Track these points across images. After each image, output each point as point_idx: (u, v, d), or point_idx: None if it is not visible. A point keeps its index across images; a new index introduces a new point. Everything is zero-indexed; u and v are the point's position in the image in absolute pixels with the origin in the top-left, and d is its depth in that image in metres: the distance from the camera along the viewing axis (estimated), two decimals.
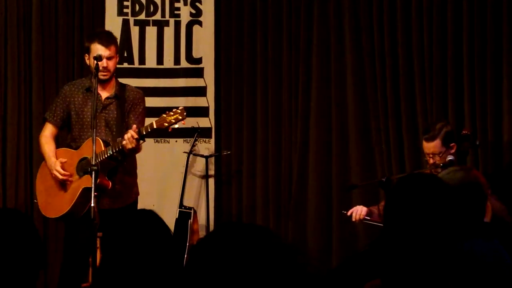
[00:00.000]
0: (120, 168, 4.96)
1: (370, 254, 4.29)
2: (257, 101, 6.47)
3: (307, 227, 6.23)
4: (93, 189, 4.52)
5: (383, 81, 5.93)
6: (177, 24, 6.60)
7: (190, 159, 6.45)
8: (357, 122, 6.06)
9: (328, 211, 6.15)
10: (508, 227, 4.25)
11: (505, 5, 5.46)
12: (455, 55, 5.62)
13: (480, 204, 3.07)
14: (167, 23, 6.60)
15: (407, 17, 5.82)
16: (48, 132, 5.08)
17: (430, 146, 4.74)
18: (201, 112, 6.53)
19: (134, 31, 6.57)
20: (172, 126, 4.72)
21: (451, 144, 4.74)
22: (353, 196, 5.99)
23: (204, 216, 6.43)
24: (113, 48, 4.95)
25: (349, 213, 4.90)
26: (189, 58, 6.59)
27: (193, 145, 6.42)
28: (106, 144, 4.81)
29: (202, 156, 6.47)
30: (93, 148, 4.61)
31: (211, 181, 6.54)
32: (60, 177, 4.91)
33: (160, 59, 6.58)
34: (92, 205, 4.48)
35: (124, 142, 4.71)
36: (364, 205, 4.98)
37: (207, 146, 6.55)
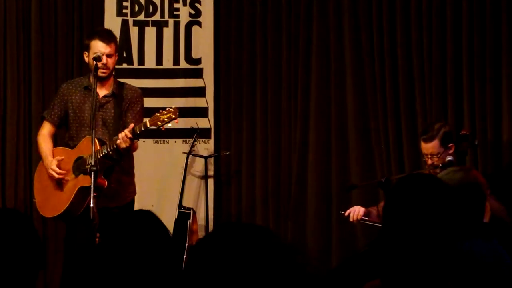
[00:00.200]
0: (117, 168, 4.95)
1: (369, 254, 4.28)
2: (256, 101, 6.47)
3: (307, 227, 6.23)
4: (92, 189, 4.52)
5: (382, 81, 5.93)
6: (176, 25, 6.60)
7: (189, 160, 6.45)
8: (356, 122, 6.06)
9: (328, 211, 6.15)
10: (507, 228, 4.25)
11: (505, 5, 5.46)
12: (454, 55, 5.63)
13: (479, 205, 3.07)
14: (166, 24, 6.60)
15: (407, 17, 5.83)
16: (45, 130, 5.08)
17: (428, 147, 4.74)
18: (200, 112, 6.52)
19: (133, 31, 6.57)
20: (165, 125, 4.73)
21: (449, 145, 4.73)
22: (352, 197, 5.99)
23: (204, 217, 6.42)
24: (113, 45, 4.96)
25: (346, 214, 4.90)
26: (188, 58, 6.59)
27: (192, 146, 6.42)
28: (102, 143, 4.80)
29: (201, 156, 6.47)
30: (93, 148, 4.61)
31: (211, 182, 6.53)
32: (56, 176, 4.91)
33: (159, 60, 6.58)
34: (91, 205, 4.48)
35: (118, 141, 4.71)
36: (364, 206, 4.98)
37: (206, 147, 6.55)
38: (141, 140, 5.12)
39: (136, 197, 5.83)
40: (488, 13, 5.51)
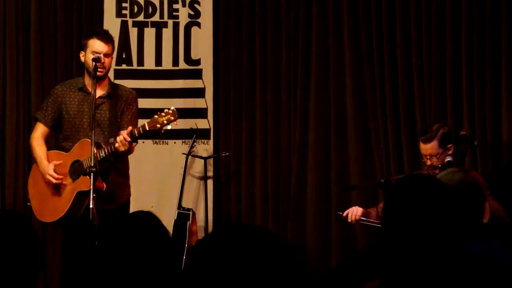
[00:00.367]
0: (113, 170, 4.93)
1: (369, 254, 4.28)
2: (256, 102, 6.47)
3: (306, 228, 6.23)
4: (91, 190, 4.51)
5: (382, 82, 5.93)
6: (176, 26, 6.60)
7: (188, 160, 6.45)
8: (356, 122, 6.06)
9: (327, 212, 6.15)
10: (507, 228, 4.25)
11: (504, 5, 5.46)
12: (454, 55, 5.62)
13: (479, 205, 3.07)
14: (165, 25, 6.60)
15: (406, 18, 5.83)
16: (39, 133, 5.03)
17: (427, 148, 4.73)
18: (200, 113, 6.52)
19: (133, 32, 6.57)
20: (165, 128, 4.71)
21: (448, 145, 4.73)
22: (352, 197, 5.99)
23: (203, 218, 6.42)
24: (110, 46, 4.94)
25: (344, 214, 4.90)
26: (188, 59, 6.59)
27: (192, 146, 6.42)
28: (98, 145, 4.76)
29: (200, 157, 6.47)
30: (92, 149, 4.60)
31: (210, 182, 6.53)
32: (54, 181, 4.87)
33: (158, 61, 6.58)
34: (91, 206, 4.47)
35: (116, 145, 4.69)
36: (363, 206, 4.98)
37: (205, 147, 6.55)
38: (140, 141, 5.10)
39: (135, 198, 5.83)
40: (487, 13, 5.51)
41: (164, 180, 6.52)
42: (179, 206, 6.31)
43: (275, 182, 6.39)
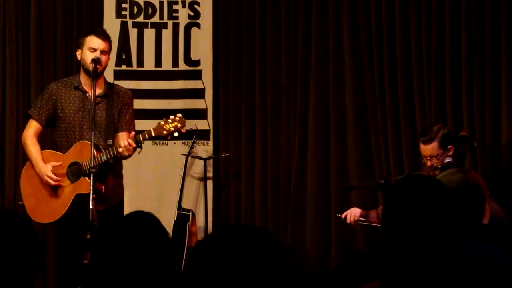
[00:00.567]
0: (110, 171, 4.91)
1: (369, 255, 4.28)
2: (255, 103, 6.47)
3: (306, 229, 6.24)
4: (91, 191, 4.49)
5: (381, 82, 5.93)
6: (175, 27, 6.60)
7: (188, 161, 6.44)
8: (355, 123, 6.06)
9: (327, 213, 6.15)
10: (507, 230, 4.25)
11: (504, 5, 5.46)
12: (453, 56, 5.63)
13: (479, 206, 3.07)
14: (165, 26, 6.60)
15: (406, 18, 5.83)
16: (32, 131, 4.93)
17: (427, 149, 4.73)
18: (200, 114, 6.53)
19: (133, 33, 6.57)
20: (172, 135, 4.69)
21: (449, 146, 4.73)
22: (351, 198, 5.99)
23: (203, 218, 6.42)
24: (107, 43, 4.89)
25: (343, 216, 4.90)
26: (187, 60, 6.59)
27: (192, 147, 6.42)
28: (98, 148, 4.73)
29: (200, 158, 6.47)
30: (92, 150, 4.58)
31: (210, 183, 6.53)
32: (53, 182, 4.80)
33: (158, 61, 6.58)
34: (91, 207, 4.45)
35: (120, 150, 4.67)
36: (363, 207, 4.97)
37: (205, 148, 6.55)
38: None
39: (135, 198, 5.84)
40: (487, 13, 5.51)
41: (164, 181, 6.52)
42: (179, 207, 6.31)
43: (275, 183, 6.39)
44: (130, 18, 6.57)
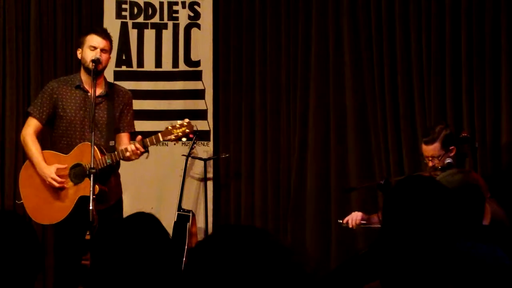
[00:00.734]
0: (112, 172, 4.91)
1: (369, 256, 4.28)
2: (255, 103, 6.47)
3: (306, 229, 6.24)
4: (91, 192, 4.48)
5: (381, 83, 5.93)
6: (176, 27, 6.60)
7: (188, 162, 6.44)
8: (355, 123, 6.06)
9: (327, 213, 6.15)
10: (507, 231, 4.24)
11: (504, 5, 5.46)
12: (453, 56, 5.63)
13: (479, 206, 3.07)
14: (165, 26, 6.60)
15: (406, 18, 5.83)
16: (32, 129, 4.87)
17: (430, 149, 4.74)
18: (200, 115, 6.53)
19: (133, 34, 6.57)
20: (180, 139, 4.69)
21: (451, 147, 4.74)
22: (351, 198, 6.00)
23: (203, 219, 6.42)
24: (108, 42, 4.86)
25: (345, 221, 4.89)
26: (188, 61, 6.59)
27: (192, 148, 6.42)
28: (101, 151, 4.72)
29: (200, 159, 6.47)
30: (92, 150, 4.57)
31: (210, 184, 6.54)
32: (57, 184, 4.76)
33: (158, 62, 6.58)
34: (91, 208, 4.45)
35: (127, 154, 4.66)
36: (363, 207, 4.98)
37: (205, 149, 6.55)
38: None
39: (135, 199, 5.83)
40: (487, 13, 5.51)
41: (164, 182, 6.52)
42: (179, 207, 6.31)
43: (275, 183, 6.39)
44: (130, 18, 6.57)
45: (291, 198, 6.31)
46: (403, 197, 2.51)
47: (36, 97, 5.05)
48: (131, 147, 4.66)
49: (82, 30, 6.40)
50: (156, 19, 6.59)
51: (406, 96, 5.82)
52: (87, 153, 4.65)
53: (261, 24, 6.47)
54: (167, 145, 6.51)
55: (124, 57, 6.52)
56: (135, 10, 6.58)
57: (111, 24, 6.44)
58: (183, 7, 6.60)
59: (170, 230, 6.13)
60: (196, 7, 6.60)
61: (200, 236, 6.35)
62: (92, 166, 4.54)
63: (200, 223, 6.43)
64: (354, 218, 4.85)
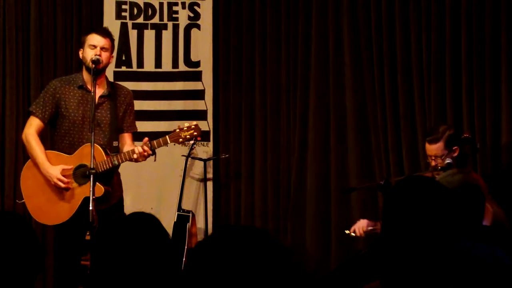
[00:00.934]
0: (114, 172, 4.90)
1: (369, 256, 4.28)
2: (255, 104, 6.47)
3: (306, 229, 6.24)
4: (91, 192, 4.48)
5: (381, 83, 5.93)
6: (175, 28, 6.60)
7: (188, 162, 6.44)
8: (355, 123, 6.06)
9: (327, 213, 6.15)
10: (508, 234, 4.24)
11: (504, 5, 5.46)
12: (453, 56, 5.62)
13: (479, 207, 3.07)
14: (165, 27, 6.60)
15: (405, 18, 5.83)
16: (34, 129, 4.84)
17: (433, 148, 4.76)
18: (199, 115, 6.52)
19: (132, 34, 6.57)
20: (188, 142, 4.70)
21: (454, 147, 4.76)
22: (351, 199, 6.00)
23: (203, 219, 6.42)
24: (108, 40, 4.85)
25: (351, 231, 4.86)
26: (187, 61, 6.59)
27: (192, 148, 6.42)
28: (106, 151, 4.71)
29: (200, 159, 6.48)
30: (92, 151, 4.57)
31: (210, 184, 6.54)
32: (63, 185, 4.73)
33: (158, 63, 6.58)
34: (91, 208, 4.44)
35: (135, 156, 4.65)
36: (363, 208, 4.98)
37: (205, 149, 6.55)
38: (140, 143, 5.05)
39: (135, 199, 5.82)
40: (487, 13, 5.51)
41: (164, 182, 6.52)
42: (179, 208, 6.31)
43: (275, 183, 6.39)
44: (130, 19, 6.57)
45: (291, 198, 6.30)
46: (403, 197, 2.51)
47: (38, 96, 5.02)
48: (139, 149, 4.66)
49: (82, 30, 6.40)
50: (156, 20, 6.59)
51: (406, 96, 5.82)
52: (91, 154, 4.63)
53: (261, 24, 6.47)
54: (167, 146, 6.49)
55: (124, 58, 6.52)
56: (135, 11, 6.57)
57: (111, 24, 6.43)
58: (183, 7, 6.60)
59: (170, 230, 6.13)
60: (196, 7, 6.60)
61: (200, 237, 6.36)
62: (92, 167, 4.53)
63: (200, 223, 6.43)
64: (361, 226, 4.82)
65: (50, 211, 4.82)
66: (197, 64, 6.59)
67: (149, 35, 6.58)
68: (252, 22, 6.50)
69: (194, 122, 4.77)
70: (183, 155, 6.43)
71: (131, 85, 5.84)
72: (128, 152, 4.70)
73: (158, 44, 6.58)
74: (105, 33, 4.88)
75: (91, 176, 4.50)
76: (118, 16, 6.55)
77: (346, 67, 6.10)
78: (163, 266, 2.13)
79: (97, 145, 4.67)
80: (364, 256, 4.26)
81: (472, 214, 3.03)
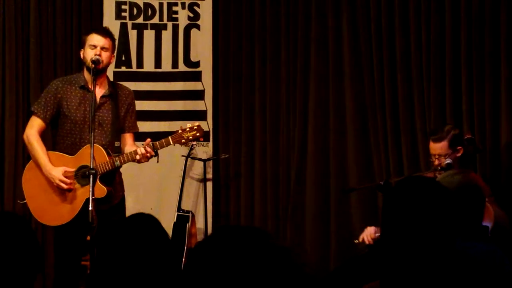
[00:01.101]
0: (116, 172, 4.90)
1: (369, 256, 4.28)
2: (255, 104, 6.47)
3: (306, 230, 6.23)
4: (90, 192, 4.48)
5: (381, 83, 5.93)
6: (175, 28, 6.60)
7: (188, 163, 6.45)
8: (355, 124, 6.06)
9: (327, 213, 6.15)
10: (509, 235, 4.25)
11: (503, 6, 5.46)
12: (453, 57, 5.62)
13: (479, 207, 3.07)
14: (165, 27, 6.60)
15: (405, 18, 5.82)
16: (36, 129, 4.82)
17: (437, 147, 4.76)
18: (199, 115, 6.52)
19: (132, 34, 6.57)
20: (190, 143, 4.69)
21: (458, 147, 4.76)
22: (351, 199, 6.00)
23: (202, 220, 6.42)
24: (109, 40, 4.85)
25: (361, 240, 4.84)
26: (187, 61, 6.59)
27: (191, 149, 6.42)
28: (108, 152, 4.71)
29: (200, 159, 6.47)
30: (91, 151, 4.56)
31: (209, 185, 6.53)
32: (65, 187, 4.73)
33: (158, 63, 6.58)
34: (90, 208, 4.44)
35: (138, 157, 4.65)
36: (363, 208, 4.97)
37: (205, 150, 6.55)
38: (140, 143, 5.05)
39: (135, 200, 5.82)
40: (486, 14, 5.51)
41: (164, 182, 6.52)
42: (179, 208, 6.31)
43: (274, 184, 6.39)
44: (130, 19, 6.57)
45: (290, 198, 6.30)
46: (403, 198, 2.51)
47: (40, 96, 5.00)
48: (141, 150, 4.66)
49: (82, 30, 6.41)
50: (155, 20, 6.59)
51: (406, 96, 5.82)
52: (95, 155, 4.60)
53: (261, 24, 6.47)
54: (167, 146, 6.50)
55: (123, 58, 6.51)
56: (135, 11, 6.57)
57: (111, 24, 6.43)
58: (183, 7, 6.59)
59: (169, 230, 6.13)
60: (195, 7, 6.60)
61: (200, 237, 6.35)
62: (91, 167, 4.53)
63: (200, 223, 6.43)
64: (368, 233, 4.79)
65: (52, 212, 4.81)
66: (197, 64, 6.58)
67: (149, 35, 6.58)
68: (252, 22, 6.50)
69: (197, 123, 4.77)
70: (182, 155, 6.43)
71: (130, 85, 5.82)
72: (130, 153, 4.70)
73: (157, 44, 6.58)
74: (105, 33, 4.88)
75: (91, 176, 4.50)
76: (118, 16, 6.54)
77: (345, 67, 6.10)
78: (163, 266, 2.13)
79: (99, 146, 4.68)
80: (364, 256, 4.26)
81: (472, 214, 3.03)
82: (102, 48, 4.80)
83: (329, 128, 6.18)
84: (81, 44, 4.92)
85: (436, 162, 4.76)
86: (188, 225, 6.24)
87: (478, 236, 3.00)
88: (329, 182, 6.16)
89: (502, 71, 5.46)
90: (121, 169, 4.97)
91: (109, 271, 2.13)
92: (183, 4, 6.59)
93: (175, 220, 6.26)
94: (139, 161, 4.71)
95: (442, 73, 5.67)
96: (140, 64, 6.56)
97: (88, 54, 4.79)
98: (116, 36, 6.26)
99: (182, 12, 6.60)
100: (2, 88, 6.40)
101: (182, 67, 6.58)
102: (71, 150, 4.82)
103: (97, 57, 4.77)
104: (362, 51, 6.02)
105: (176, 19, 6.60)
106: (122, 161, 4.70)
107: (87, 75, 4.84)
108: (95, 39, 4.81)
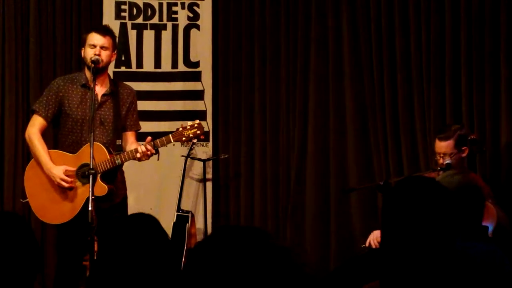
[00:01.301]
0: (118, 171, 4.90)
1: (368, 256, 4.29)
2: (254, 104, 6.47)
3: (305, 230, 6.23)
4: (90, 192, 4.47)
5: (380, 84, 5.93)
6: (175, 28, 6.60)
7: (187, 163, 6.44)
8: (355, 124, 6.06)
9: (327, 213, 6.15)
10: (509, 235, 4.25)
11: (503, 6, 5.46)
12: (453, 57, 5.62)
13: (478, 207, 3.07)
14: (164, 27, 6.60)
15: (405, 18, 5.82)
16: (37, 128, 4.81)
17: (442, 146, 4.77)
18: (199, 115, 6.51)
19: (132, 34, 6.56)
20: (187, 142, 4.69)
21: (463, 148, 4.77)
22: (351, 199, 6.00)
23: (202, 220, 6.42)
24: (109, 38, 4.84)
25: (367, 244, 4.82)
26: (187, 61, 6.59)
27: (191, 149, 6.42)
28: (109, 150, 4.71)
29: (199, 159, 6.47)
30: (91, 150, 4.55)
31: (209, 185, 6.53)
32: (66, 185, 4.73)
33: (157, 63, 6.58)
34: (90, 208, 4.43)
35: (138, 155, 4.65)
36: (363, 208, 4.96)
37: (204, 150, 6.55)
38: (140, 143, 5.04)
39: (135, 200, 5.81)
40: (486, 14, 5.50)
41: (163, 183, 6.52)
42: (178, 208, 6.31)
43: (274, 184, 6.39)
44: (130, 19, 6.56)
45: (290, 199, 6.30)
46: (403, 198, 2.51)
47: (41, 95, 4.99)
48: (142, 148, 4.65)
49: (81, 30, 6.40)
50: (155, 20, 6.59)
51: (406, 96, 5.82)
52: (95, 153, 4.60)
53: (260, 24, 6.47)
54: (166, 146, 6.49)
55: (123, 58, 6.51)
56: (134, 11, 6.57)
57: (110, 24, 6.36)
58: (182, 8, 6.59)
59: (169, 230, 6.13)
60: (195, 8, 6.60)
61: (199, 237, 6.35)
62: (91, 167, 4.52)
63: (199, 223, 6.43)
64: (374, 237, 4.78)
65: (54, 210, 4.81)
66: (197, 64, 6.58)
67: (149, 36, 6.58)
68: (251, 22, 6.50)
69: (197, 121, 4.76)
70: (182, 156, 6.43)
71: (130, 85, 5.83)
72: (131, 151, 4.70)
73: (157, 44, 6.58)
74: (105, 32, 4.87)
75: (90, 176, 4.50)
76: (118, 16, 6.54)
77: (345, 67, 6.10)
78: (163, 266, 2.13)
79: (100, 144, 4.68)
80: (364, 256, 4.26)
81: (471, 214, 3.03)
82: (102, 47, 4.79)
83: (329, 128, 6.18)
84: (81, 43, 4.92)
85: (441, 161, 4.76)
86: (187, 225, 6.24)
87: (478, 236, 3.00)
88: (329, 182, 6.16)
89: (502, 71, 5.46)
90: (125, 168, 4.97)
91: (109, 271, 2.13)
92: (182, 4, 6.59)
93: (174, 220, 6.26)
94: (140, 159, 4.70)
95: (442, 73, 5.66)
96: (139, 64, 6.56)
97: (88, 53, 4.79)
98: (116, 36, 6.27)
99: (181, 12, 6.60)
100: (2, 87, 6.40)
101: (181, 67, 6.58)
102: (73, 148, 4.82)
103: (97, 57, 4.76)
104: (362, 51, 6.02)
105: (176, 19, 6.60)
106: (123, 159, 4.69)
107: (88, 74, 4.84)
108: (95, 39, 4.81)
